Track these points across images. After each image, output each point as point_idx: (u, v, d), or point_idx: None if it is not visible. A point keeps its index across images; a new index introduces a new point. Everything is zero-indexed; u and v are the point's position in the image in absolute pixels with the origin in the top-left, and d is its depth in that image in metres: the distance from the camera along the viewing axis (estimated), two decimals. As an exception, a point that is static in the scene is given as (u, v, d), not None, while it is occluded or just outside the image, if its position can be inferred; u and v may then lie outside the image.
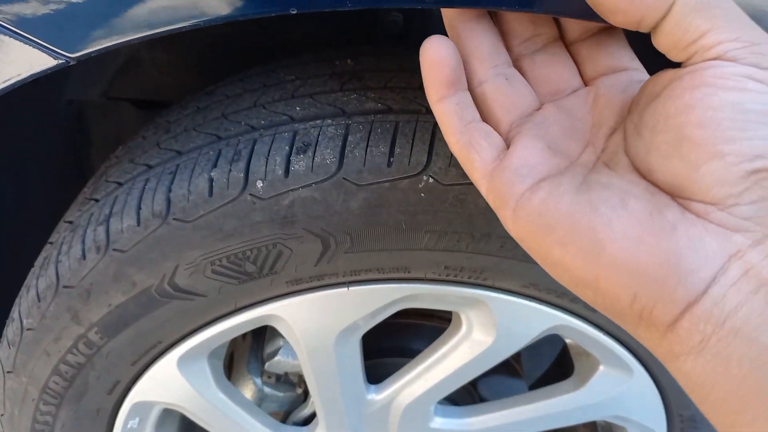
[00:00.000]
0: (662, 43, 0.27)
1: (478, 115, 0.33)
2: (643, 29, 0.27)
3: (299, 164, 0.44)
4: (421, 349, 0.66)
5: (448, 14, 0.34)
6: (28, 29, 0.32)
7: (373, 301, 0.52)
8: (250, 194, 0.44)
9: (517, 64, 0.35)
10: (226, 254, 0.47)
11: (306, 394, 0.73)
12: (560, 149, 0.31)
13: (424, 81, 0.32)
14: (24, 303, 0.53)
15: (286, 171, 0.44)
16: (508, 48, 0.35)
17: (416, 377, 0.61)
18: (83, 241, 0.49)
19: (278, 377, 0.71)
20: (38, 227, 0.80)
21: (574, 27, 0.34)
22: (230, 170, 0.45)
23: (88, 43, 0.33)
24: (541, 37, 0.35)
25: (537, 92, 0.35)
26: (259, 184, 0.44)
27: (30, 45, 0.32)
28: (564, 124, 0.32)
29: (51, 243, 0.55)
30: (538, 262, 0.30)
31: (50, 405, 0.57)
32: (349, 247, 0.47)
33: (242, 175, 0.45)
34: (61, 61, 0.34)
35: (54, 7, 0.31)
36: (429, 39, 0.31)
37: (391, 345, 0.71)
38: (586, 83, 0.34)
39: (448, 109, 0.32)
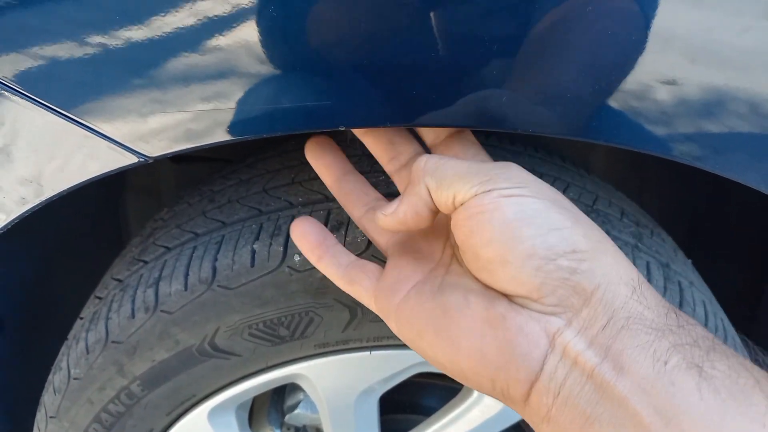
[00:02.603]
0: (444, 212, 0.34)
1: (353, 257, 0.41)
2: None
3: (333, 241, 0.49)
4: (433, 406, 0.69)
5: (322, 177, 0.45)
6: (119, 135, 0.38)
7: (393, 365, 0.57)
8: (288, 266, 0.50)
9: (393, 179, 0.44)
10: (262, 319, 0.51)
11: (322, 446, 0.76)
12: (424, 253, 0.38)
13: (301, 250, 0.42)
14: (72, 354, 0.58)
15: (321, 247, 0.49)
16: (383, 166, 0.44)
17: (429, 436, 0.65)
18: (133, 301, 0.54)
19: (297, 429, 0.74)
20: (73, 260, 0.85)
21: (429, 135, 0.42)
22: (271, 244, 0.50)
23: (166, 148, 0.39)
24: (403, 155, 0.43)
25: None
26: (296, 257, 0.50)
27: (118, 146, 0.38)
28: (427, 231, 0.39)
29: (99, 298, 0.60)
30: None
31: (87, 449, 0.61)
32: (374, 316, 0.52)
33: (281, 248, 0.50)
34: (141, 160, 0.39)
35: (141, 120, 0.37)
36: (295, 221, 0.42)
37: (404, 401, 0.75)
38: None
39: (327, 263, 0.41)
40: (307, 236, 0.41)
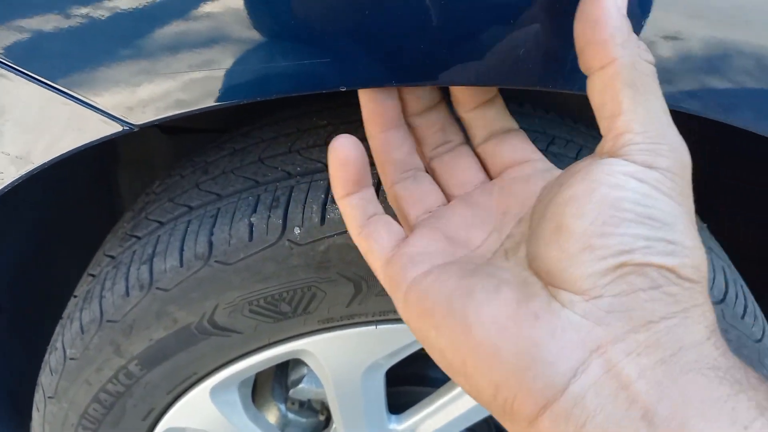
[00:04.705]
0: (591, 98, 0.28)
1: (380, 209, 0.35)
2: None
3: (335, 212, 0.47)
4: (441, 378, 0.68)
5: (368, 126, 0.37)
6: (102, 103, 0.35)
7: (400, 338, 0.55)
8: (288, 240, 0.47)
9: (429, 166, 0.38)
10: (263, 295, 0.49)
11: (328, 420, 0.75)
12: (459, 238, 0.33)
13: (330, 177, 0.35)
14: (67, 334, 0.56)
15: (322, 219, 0.47)
16: (422, 153, 0.38)
17: (437, 410, 0.64)
18: (127, 279, 0.51)
19: (301, 404, 0.73)
20: (67, 237, 0.83)
21: (479, 130, 0.37)
22: (269, 216, 0.48)
23: (151, 114, 0.36)
24: (450, 143, 0.37)
25: (446, 189, 0.37)
26: (297, 230, 0.47)
27: (102, 114, 0.35)
28: (467, 215, 0.34)
29: (93, 276, 0.57)
30: (423, 346, 0.30)
31: (88, 430, 0.60)
32: (380, 290, 0.50)
33: (281, 221, 0.47)
34: (126, 128, 0.36)
35: (123, 84, 0.34)
36: (337, 139, 0.33)
37: (411, 373, 0.74)
38: (493, 178, 0.36)
39: (353, 204, 0.34)
40: (347, 167, 0.33)
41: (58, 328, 0.59)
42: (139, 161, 1.00)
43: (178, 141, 0.96)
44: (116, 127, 0.36)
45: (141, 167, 1.00)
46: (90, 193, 0.94)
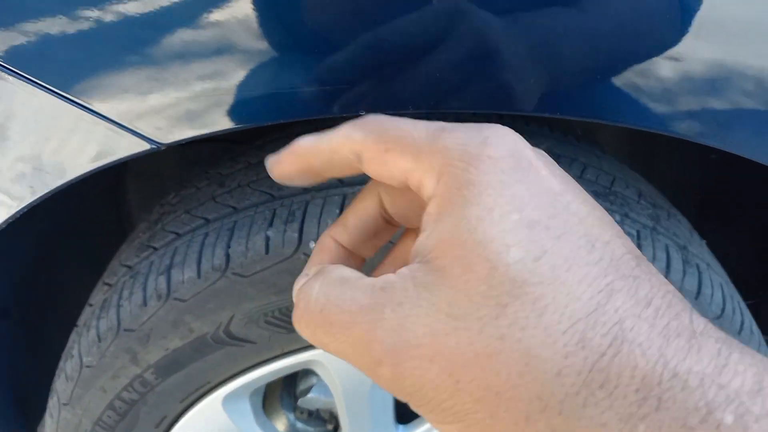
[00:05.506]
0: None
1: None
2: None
3: (349, 227, 0.48)
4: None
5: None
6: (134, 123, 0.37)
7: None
8: (304, 253, 0.49)
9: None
10: (278, 307, 0.51)
11: (336, 429, 0.76)
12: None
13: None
14: (84, 341, 0.57)
15: (337, 233, 0.48)
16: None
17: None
18: (144, 289, 0.53)
19: (310, 413, 0.74)
20: (73, 244, 0.84)
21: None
22: (285, 230, 0.49)
23: (178, 134, 0.37)
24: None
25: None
26: (312, 244, 0.49)
27: (134, 135, 0.37)
28: None
29: (109, 285, 0.59)
30: None
31: (101, 437, 0.61)
32: (391, 302, 0.51)
33: (296, 235, 0.49)
34: (153, 147, 0.38)
35: (152, 107, 0.36)
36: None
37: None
38: None
39: None
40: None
41: (73, 336, 0.60)
42: (148, 171, 1.01)
43: (187, 151, 0.98)
44: (144, 146, 0.38)
45: (150, 177, 1.01)
46: (98, 202, 0.95)
